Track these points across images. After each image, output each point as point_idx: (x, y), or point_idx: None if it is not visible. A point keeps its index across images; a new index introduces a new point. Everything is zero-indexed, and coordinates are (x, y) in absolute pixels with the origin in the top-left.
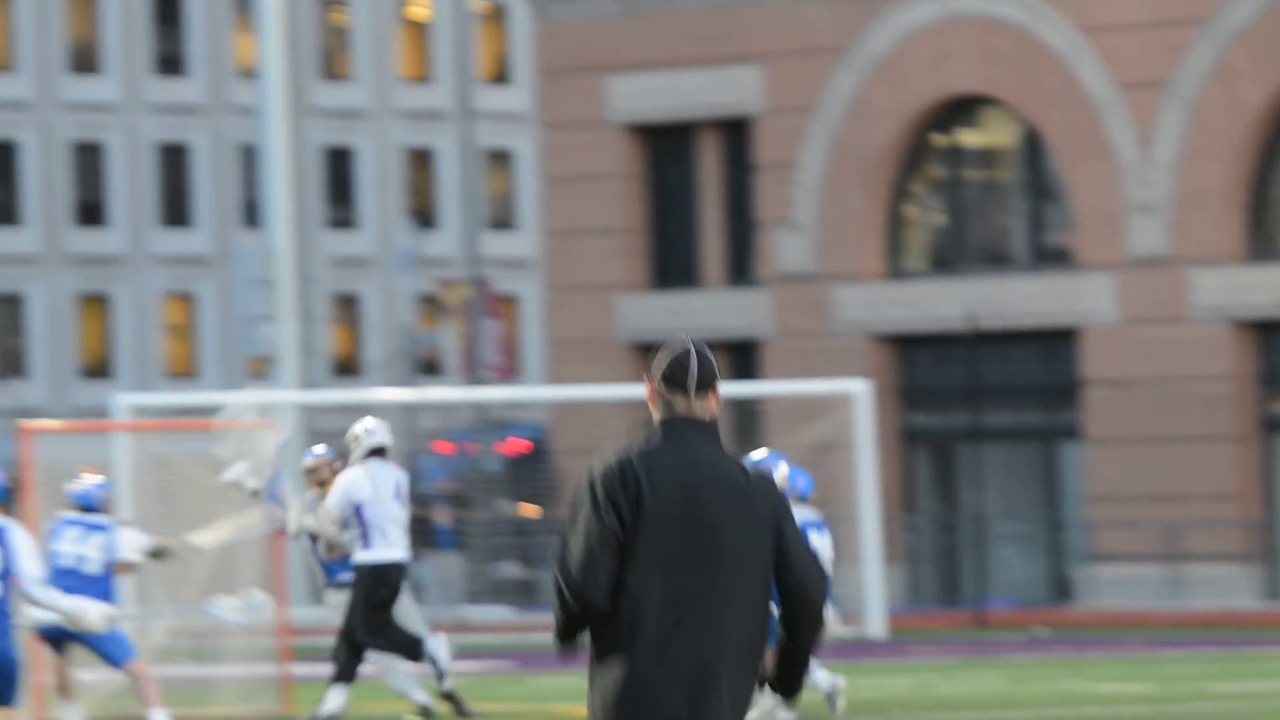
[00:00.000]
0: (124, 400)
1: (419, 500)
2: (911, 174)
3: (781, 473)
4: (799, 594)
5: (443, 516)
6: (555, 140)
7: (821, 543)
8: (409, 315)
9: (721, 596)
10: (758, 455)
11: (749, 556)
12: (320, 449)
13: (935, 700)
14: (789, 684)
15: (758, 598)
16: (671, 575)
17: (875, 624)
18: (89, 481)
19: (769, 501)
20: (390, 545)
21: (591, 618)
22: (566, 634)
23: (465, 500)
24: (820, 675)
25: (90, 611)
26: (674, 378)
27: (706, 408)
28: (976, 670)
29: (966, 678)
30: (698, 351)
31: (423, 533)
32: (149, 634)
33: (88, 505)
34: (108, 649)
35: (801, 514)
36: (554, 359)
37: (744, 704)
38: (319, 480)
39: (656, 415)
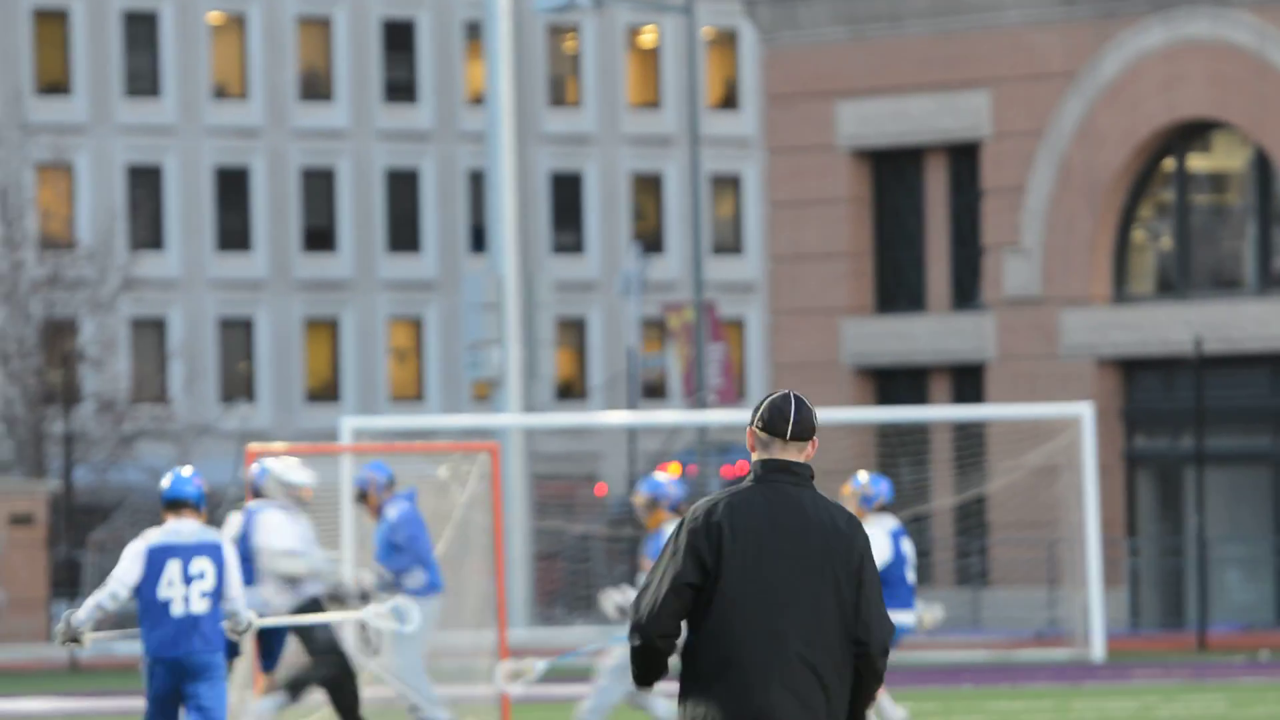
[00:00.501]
0: (349, 423)
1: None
2: (1139, 198)
3: (863, 478)
4: (864, 652)
5: None
6: (782, 165)
7: (907, 547)
8: (633, 339)
9: (792, 638)
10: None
11: (823, 602)
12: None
13: None
14: None
15: (832, 642)
16: (749, 617)
17: (1096, 646)
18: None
19: (851, 549)
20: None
21: (654, 656)
22: (639, 676)
23: None
24: (887, 705)
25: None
26: (773, 424)
27: (802, 455)
28: (1198, 694)
29: (1188, 701)
30: (798, 401)
31: None
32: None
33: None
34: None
35: (884, 522)
36: (777, 382)
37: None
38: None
39: (754, 458)
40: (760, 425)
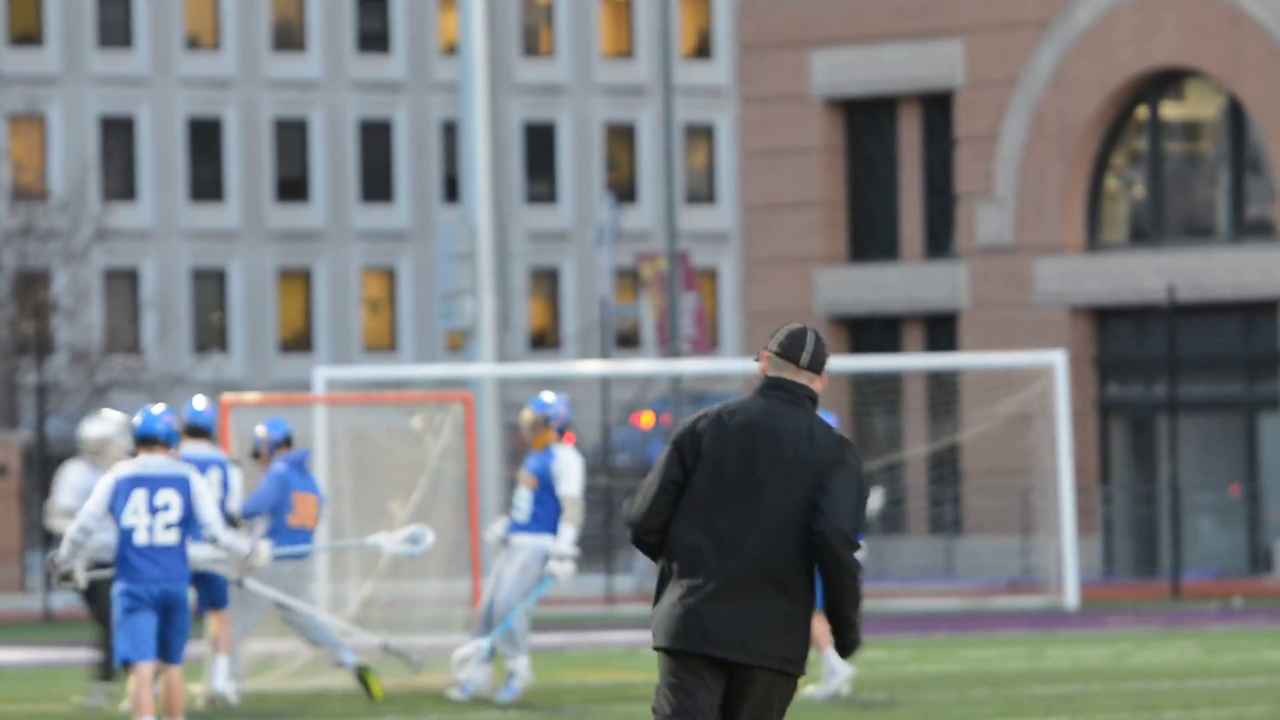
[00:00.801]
0: (322, 374)
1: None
2: (1113, 146)
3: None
4: (820, 541)
5: None
6: (755, 114)
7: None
8: (606, 289)
9: (754, 533)
10: None
11: (786, 508)
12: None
13: (1130, 670)
14: (839, 640)
15: (793, 551)
16: (712, 517)
17: (1069, 594)
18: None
19: (822, 455)
20: None
21: (645, 550)
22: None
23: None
24: (834, 660)
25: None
26: (789, 349)
27: (811, 385)
28: (1172, 641)
29: (1161, 648)
30: (816, 335)
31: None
32: (345, 604)
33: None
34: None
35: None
36: (751, 332)
37: (772, 630)
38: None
39: (762, 379)
40: (776, 349)
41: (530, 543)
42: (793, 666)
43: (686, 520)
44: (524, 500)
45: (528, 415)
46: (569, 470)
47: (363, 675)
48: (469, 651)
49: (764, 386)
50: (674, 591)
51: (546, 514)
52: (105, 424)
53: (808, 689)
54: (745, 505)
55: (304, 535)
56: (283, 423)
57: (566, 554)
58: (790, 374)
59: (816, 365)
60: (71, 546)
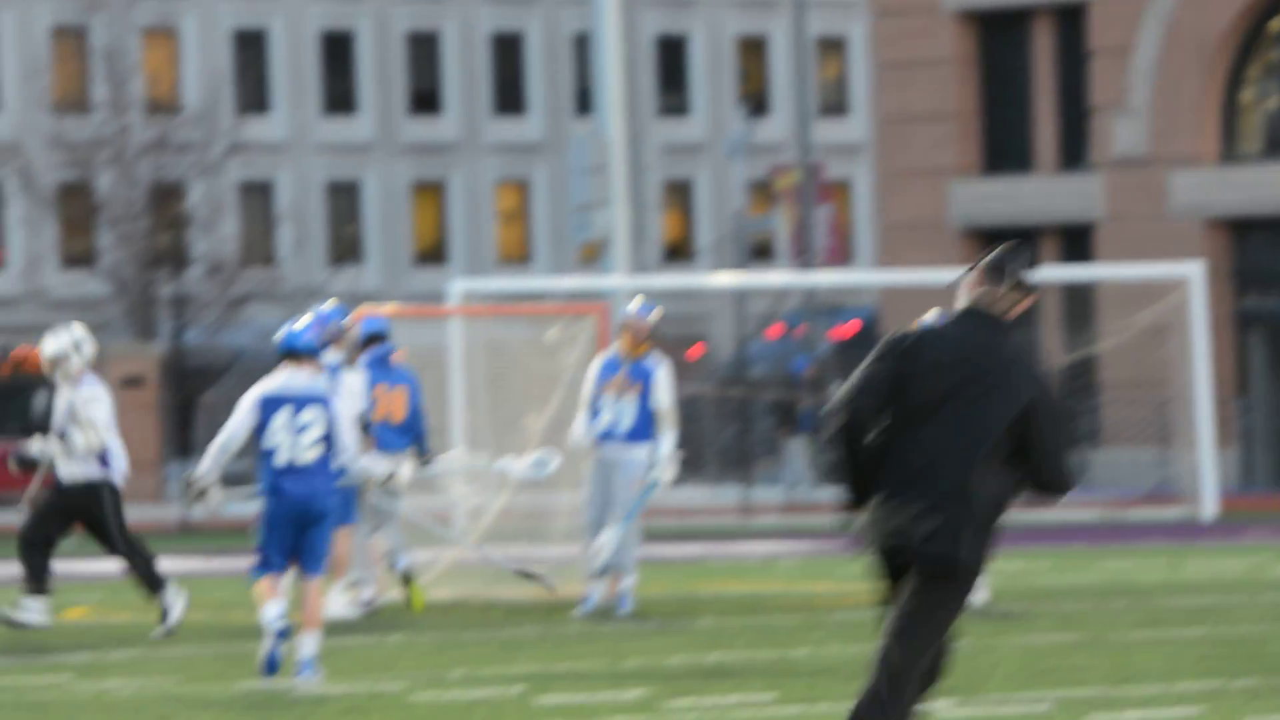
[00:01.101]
0: (458, 286)
1: (786, 384)
2: (1247, 59)
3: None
4: (1035, 472)
5: (806, 400)
6: (888, 26)
7: None
8: (740, 201)
9: (944, 462)
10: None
11: (985, 431)
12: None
13: (1270, 581)
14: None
15: (986, 456)
16: (909, 437)
17: (1207, 505)
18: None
19: (1023, 389)
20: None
21: (854, 435)
22: (836, 476)
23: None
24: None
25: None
26: (994, 270)
27: (1011, 305)
28: None
29: None
30: (1021, 255)
31: (788, 416)
32: (482, 515)
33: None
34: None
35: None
36: (885, 243)
37: (966, 540)
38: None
39: (964, 299)
40: (984, 267)
41: (640, 454)
42: (975, 576)
43: (891, 433)
44: (625, 410)
45: (637, 322)
46: (669, 379)
47: (408, 581)
48: (605, 547)
49: (965, 310)
50: (879, 502)
51: (647, 423)
52: (59, 339)
53: None
54: (945, 422)
55: (389, 430)
56: (374, 320)
57: (670, 461)
58: (990, 296)
59: (1020, 285)
60: (212, 462)
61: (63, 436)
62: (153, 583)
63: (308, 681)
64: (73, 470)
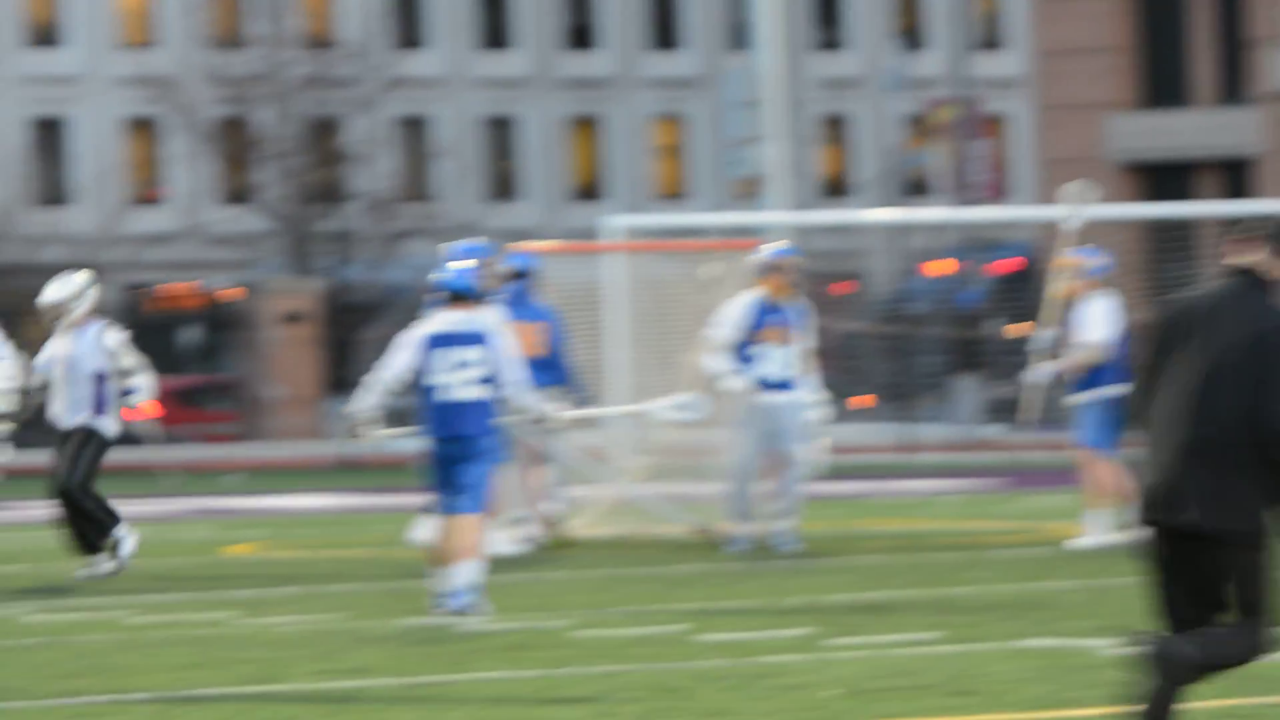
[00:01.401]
0: (615, 222)
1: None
2: None
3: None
4: (1255, 428)
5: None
6: None
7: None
8: (897, 136)
9: (1201, 422)
10: None
11: (1238, 393)
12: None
13: None
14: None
15: (1242, 422)
16: (1167, 401)
17: None
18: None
19: (1269, 342)
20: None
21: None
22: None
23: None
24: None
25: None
26: (1244, 234)
27: (1270, 268)
28: None
29: None
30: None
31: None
32: (640, 452)
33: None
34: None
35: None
36: (1043, 178)
37: (1218, 494)
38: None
39: (1237, 261)
40: (1236, 234)
41: (803, 398)
42: (1248, 539)
43: (1153, 409)
44: (786, 356)
45: (789, 264)
46: (812, 321)
47: (552, 524)
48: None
49: (1232, 277)
50: (1146, 465)
51: (793, 368)
52: (60, 288)
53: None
54: (1202, 397)
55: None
56: (519, 255)
57: (821, 403)
58: (1247, 258)
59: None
60: (372, 400)
61: (46, 386)
62: (89, 545)
63: (464, 609)
64: (69, 417)
